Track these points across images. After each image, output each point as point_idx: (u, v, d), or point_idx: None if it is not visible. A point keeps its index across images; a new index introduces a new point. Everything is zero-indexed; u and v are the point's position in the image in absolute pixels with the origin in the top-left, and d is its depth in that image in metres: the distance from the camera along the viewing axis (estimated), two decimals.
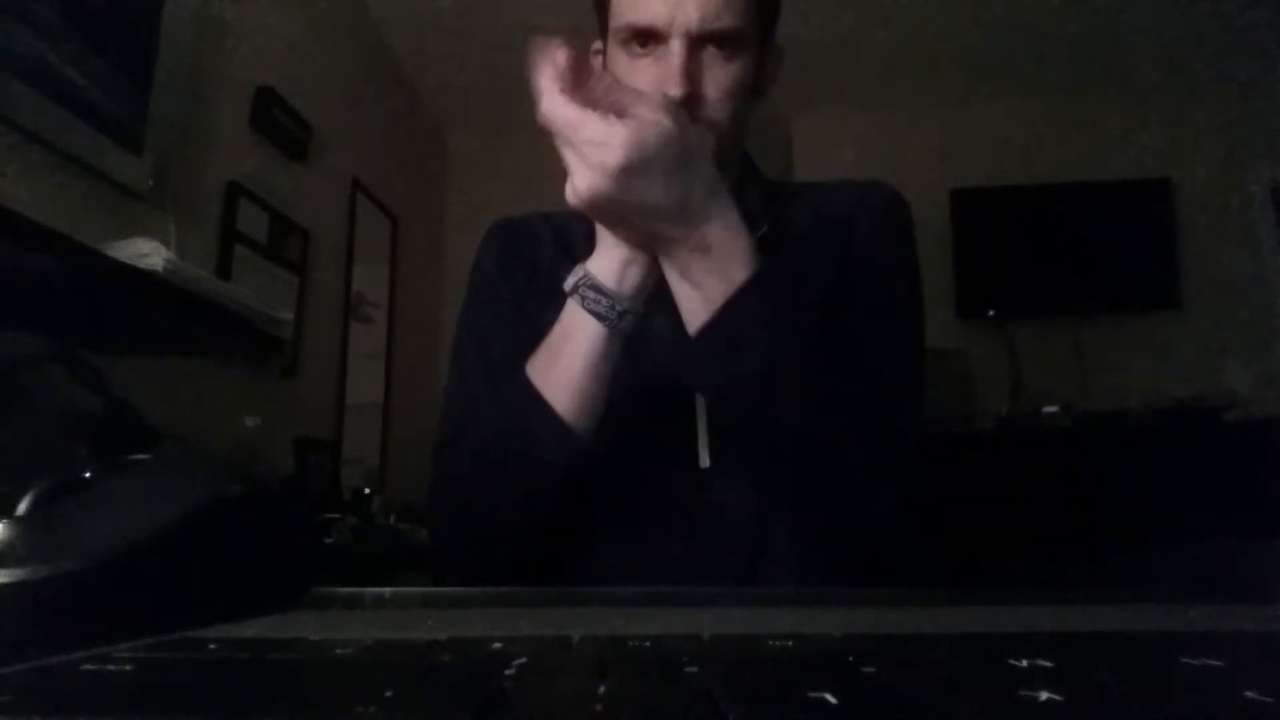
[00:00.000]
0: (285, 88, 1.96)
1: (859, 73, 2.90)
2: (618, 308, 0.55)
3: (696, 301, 0.54)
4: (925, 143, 3.00)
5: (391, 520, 2.20)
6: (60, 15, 1.23)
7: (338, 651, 0.21)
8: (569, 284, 0.56)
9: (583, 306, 0.55)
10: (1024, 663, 0.18)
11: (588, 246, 0.59)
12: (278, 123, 1.95)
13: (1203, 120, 2.97)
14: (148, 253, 1.15)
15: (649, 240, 0.54)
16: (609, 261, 0.56)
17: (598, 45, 0.68)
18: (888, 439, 0.58)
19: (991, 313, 2.84)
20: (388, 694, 0.15)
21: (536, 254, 0.71)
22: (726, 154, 0.61)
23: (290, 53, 2.04)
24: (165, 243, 1.25)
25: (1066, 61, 2.85)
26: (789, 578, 0.62)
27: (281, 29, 2.00)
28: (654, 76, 0.59)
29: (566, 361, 0.56)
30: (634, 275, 0.56)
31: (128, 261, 1.11)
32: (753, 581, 0.62)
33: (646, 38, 0.60)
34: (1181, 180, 2.96)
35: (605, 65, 0.67)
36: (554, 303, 0.59)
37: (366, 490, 2.25)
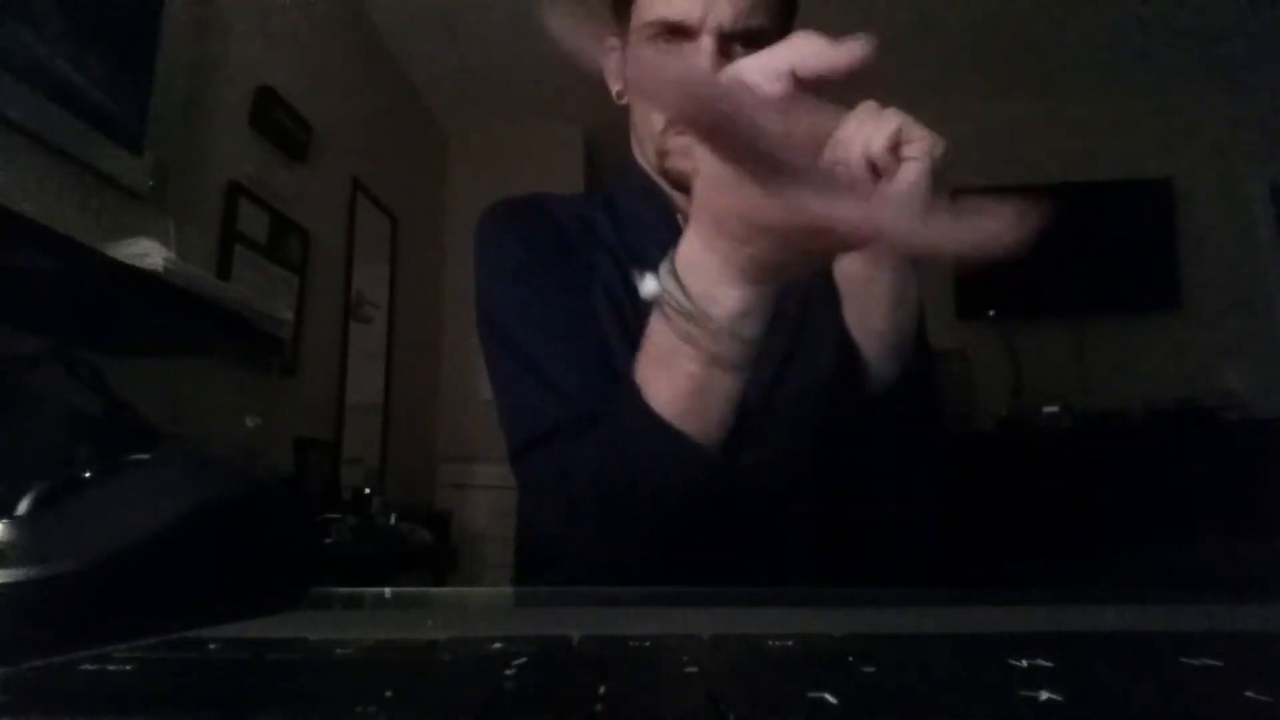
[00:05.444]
0: (285, 88, 1.96)
1: (858, 73, 2.89)
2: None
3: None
4: None
5: (391, 520, 2.20)
6: (60, 15, 1.23)
7: (338, 651, 0.21)
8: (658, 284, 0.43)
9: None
10: (1024, 663, 0.18)
11: (612, 225, 0.58)
12: (278, 123, 1.95)
13: (1203, 120, 2.97)
14: (148, 253, 1.15)
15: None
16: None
17: (613, 41, 0.67)
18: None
19: (991, 313, 2.85)
20: (388, 694, 0.15)
21: (561, 231, 0.67)
22: None
23: (290, 53, 2.04)
24: (165, 243, 1.25)
25: (1066, 61, 2.85)
26: (807, 578, 0.61)
27: (281, 29, 2.00)
28: None
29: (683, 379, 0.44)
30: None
31: (128, 261, 1.11)
32: (771, 582, 0.62)
33: (675, 33, 0.60)
34: (1181, 180, 2.96)
35: (624, 61, 0.66)
36: (593, 280, 0.58)
37: (366, 490, 2.25)
